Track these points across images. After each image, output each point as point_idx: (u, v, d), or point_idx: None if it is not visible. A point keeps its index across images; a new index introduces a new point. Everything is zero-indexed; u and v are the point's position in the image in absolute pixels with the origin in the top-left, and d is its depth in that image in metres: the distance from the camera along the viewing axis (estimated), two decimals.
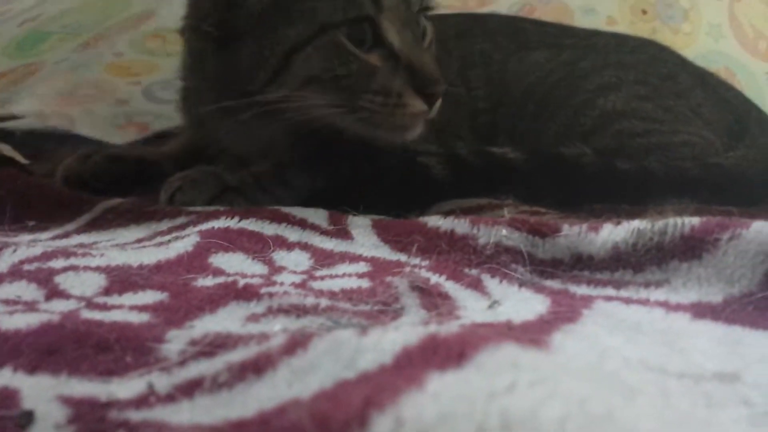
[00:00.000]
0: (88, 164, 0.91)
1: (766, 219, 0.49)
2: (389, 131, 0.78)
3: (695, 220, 0.49)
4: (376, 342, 0.29)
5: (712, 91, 1.07)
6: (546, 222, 0.53)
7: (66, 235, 0.65)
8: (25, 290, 0.47)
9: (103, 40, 0.96)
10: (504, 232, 0.53)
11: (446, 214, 0.76)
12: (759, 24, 1.03)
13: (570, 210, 0.83)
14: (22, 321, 0.38)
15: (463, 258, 0.53)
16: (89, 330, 0.37)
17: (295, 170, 0.84)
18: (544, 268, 0.50)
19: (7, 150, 1.14)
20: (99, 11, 0.80)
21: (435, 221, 0.58)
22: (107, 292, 0.47)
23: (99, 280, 0.49)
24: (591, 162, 0.90)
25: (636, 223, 0.51)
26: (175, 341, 0.36)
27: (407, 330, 0.30)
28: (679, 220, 0.49)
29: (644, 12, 1.18)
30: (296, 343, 0.32)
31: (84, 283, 0.48)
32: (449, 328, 0.31)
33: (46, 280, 0.48)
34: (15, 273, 0.49)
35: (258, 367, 0.32)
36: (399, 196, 0.83)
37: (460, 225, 0.56)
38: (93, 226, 0.67)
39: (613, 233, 0.50)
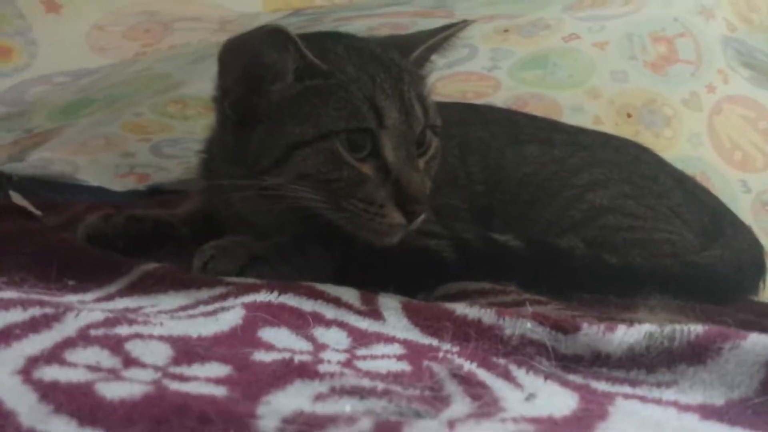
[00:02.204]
0: (110, 224, 0.96)
1: (758, 329, 0.56)
2: (368, 234, 0.85)
3: (699, 329, 0.56)
4: None
5: (689, 192, 1.17)
6: (567, 319, 0.60)
7: (109, 298, 0.69)
8: (100, 356, 0.51)
9: (131, 105, 1.01)
10: (529, 325, 0.59)
11: (455, 297, 0.83)
12: (735, 136, 1.13)
13: (562, 298, 0.90)
14: (121, 390, 0.43)
15: (491, 347, 0.59)
16: (187, 403, 0.42)
17: (313, 242, 0.89)
18: (566, 363, 0.56)
19: (17, 199, 1.17)
20: (143, 84, 0.86)
21: (462, 309, 0.64)
22: (176, 362, 0.51)
23: (166, 350, 0.53)
24: (582, 254, 0.98)
25: (647, 327, 0.57)
26: (267, 418, 0.41)
27: (491, 426, 0.36)
28: (685, 328, 0.56)
29: (629, 115, 1.29)
30: (387, 430, 0.37)
31: (153, 353, 0.52)
32: (527, 427, 0.37)
33: (116, 347, 0.52)
34: (84, 338, 0.53)
35: None
36: (411, 275, 0.90)
37: (487, 315, 0.62)
38: (134, 289, 0.71)
39: (627, 334, 0.57)
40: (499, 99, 1.37)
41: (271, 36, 0.79)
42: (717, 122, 1.16)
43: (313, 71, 0.83)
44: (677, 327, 0.56)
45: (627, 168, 1.18)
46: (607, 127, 1.34)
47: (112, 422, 0.40)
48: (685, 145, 1.23)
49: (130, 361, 0.51)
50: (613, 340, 0.57)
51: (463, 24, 0.94)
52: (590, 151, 1.20)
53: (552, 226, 1.10)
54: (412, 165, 0.85)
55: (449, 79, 1.28)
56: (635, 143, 1.26)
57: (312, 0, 0.69)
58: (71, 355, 0.50)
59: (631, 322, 0.59)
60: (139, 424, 0.40)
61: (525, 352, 0.57)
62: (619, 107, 1.30)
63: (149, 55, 0.72)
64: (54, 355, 0.49)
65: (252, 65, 0.83)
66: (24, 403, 0.41)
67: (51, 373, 0.46)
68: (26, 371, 0.46)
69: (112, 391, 0.43)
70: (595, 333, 0.57)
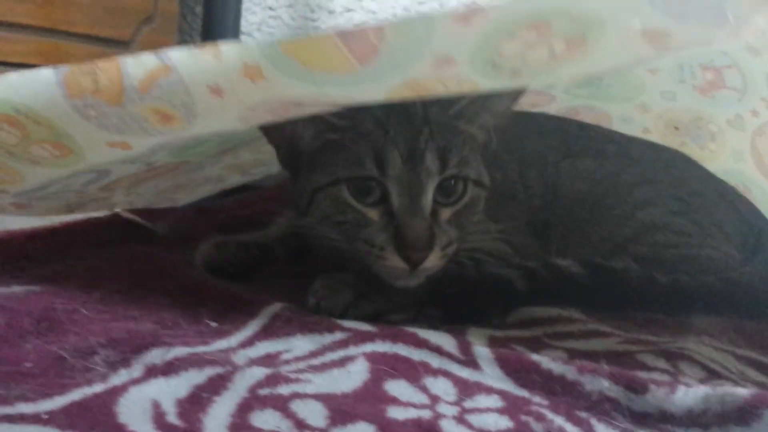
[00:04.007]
0: (223, 252, 1.10)
1: None
2: (381, 275, 0.96)
3: (746, 393, 0.69)
4: None
5: (732, 206, 1.28)
6: (637, 378, 0.73)
7: (250, 343, 0.83)
8: (274, 419, 0.65)
9: (234, 149, 1.15)
10: (606, 384, 0.73)
11: (527, 324, 0.96)
12: None
13: (617, 317, 1.04)
14: None
15: (574, 401, 0.72)
16: None
17: None
18: (637, 419, 0.70)
19: (124, 212, 1.31)
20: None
21: (547, 363, 0.77)
22: (334, 422, 0.65)
23: (322, 410, 0.67)
24: (636, 276, 1.11)
25: (703, 390, 0.71)
26: None
27: None
28: (735, 392, 0.70)
29: (676, 128, 1.38)
30: None
31: (313, 413, 0.66)
32: None
33: (284, 409, 0.67)
34: (257, 399, 0.68)
35: None
36: (485, 302, 1.03)
37: (569, 372, 0.75)
38: (268, 333, 0.85)
39: (687, 396, 0.70)
40: (552, 109, 1.46)
41: None
42: (759, 143, 1.25)
43: (335, 127, 0.96)
44: (728, 391, 0.70)
45: (676, 184, 1.29)
46: (655, 137, 1.43)
47: None
48: (728, 159, 1.33)
49: (299, 423, 0.65)
50: (675, 400, 0.70)
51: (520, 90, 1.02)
52: (641, 166, 1.31)
53: (604, 243, 1.23)
54: (416, 212, 0.93)
55: None
56: (683, 156, 1.35)
57: (431, 90, 0.81)
58: (255, 420, 0.65)
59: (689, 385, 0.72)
60: None
61: (603, 408, 0.71)
62: (667, 121, 1.38)
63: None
64: (243, 423, 0.64)
65: (287, 124, 0.96)
66: None
67: None
68: None
69: None
70: (660, 394, 0.71)
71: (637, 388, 0.72)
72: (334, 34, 0.70)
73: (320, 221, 0.99)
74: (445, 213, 0.97)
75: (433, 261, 0.93)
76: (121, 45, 1.95)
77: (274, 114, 0.83)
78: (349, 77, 0.75)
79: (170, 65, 0.74)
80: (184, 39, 2.22)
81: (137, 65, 0.75)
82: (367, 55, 0.72)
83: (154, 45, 1.99)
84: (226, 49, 0.72)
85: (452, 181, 0.98)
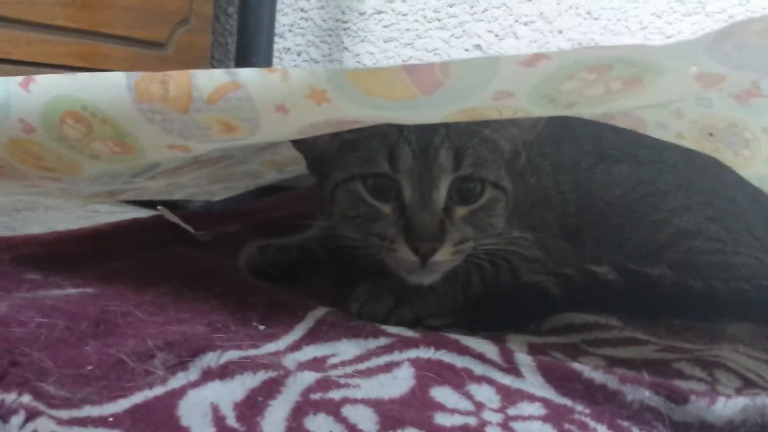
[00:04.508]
0: (266, 255, 1.13)
1: None
2: (396, 270, 0.98)
3: None
4: None
5: (765, 213, 1.29)
6: (678, 389, 0.75)
7: (298, 347, 0.86)
8: (328, 423, 0.68)
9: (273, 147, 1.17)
10: (647, 394, 0.74)
11: (563, 330, 0.98)
12: None
13: (652, 324, 1.05)
14: None
15: (616, 411, 0.74)
16: None
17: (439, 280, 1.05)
18: (678, 429, 0.72)
19: (167, 214, 1.35)
20: None
21: (589, 372, 0.79)
22: (384, 428, 0.68)
23: (372, 415, 0.70)
24: (670, 282, 1.12)
25: (742, 401, 0.72)
26: None
27: None
28: None
29: (711, 134, 1.38)
30: None
31: (364, 418, 0.69)
32: None
33: (336, 413, 0.69)
34: (309, 404, 0.71)
35: None
36: (523, 309, 1.05)
37: (611, 381, 0.77)
38: (314, 337, 0.88)
39: (727, 407, 0.72)
40: (587, 113, 1.47)
41: None
42: None
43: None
44: (767, 402, 0.72)
45: (709, 190, 1.29)
46: (689, 143, 1.43)
47: None
48: (762, 166, 1.33)
49: (351, 428, 0.67)
50: (715, 411, 0.72)
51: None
52: (675, 172, 1.32)
53: (638, 249, 1.24)
54: (427, 205, 0.94)
55: None
56: (716, 161, 1.36)
57: (486, 115, 0.83)
58: (309, 424, 0.67)
59: (729, 396, 0.74)
60: None
61: (644, 417, 0.73)
62: (702, 127, 1.39)
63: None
64: (299, 427, 0.67)
65: None
66: None
67: None
68: None
69: None
70: (700, 405, 0.73)
71: (678, 398, 0.74)
72: (400, 68, 0.73)
73: (341, 219, 1.02)
74: (461, 211, 1.00)
75: (445, 256, 0.95)
76: (157, 46, 1.98)
77: (332, 128, 0.86)
78: (409, 103, 0.78)
79: (239, 81, 0.77)
80: (217, 40, 2.25)
81: (207, 79, 0.78)
82: (431, 88, 0.75)
83: (189, 46, 2.04)
84: (294, 72, 0.75)
85: (471, 184, 1.01)
